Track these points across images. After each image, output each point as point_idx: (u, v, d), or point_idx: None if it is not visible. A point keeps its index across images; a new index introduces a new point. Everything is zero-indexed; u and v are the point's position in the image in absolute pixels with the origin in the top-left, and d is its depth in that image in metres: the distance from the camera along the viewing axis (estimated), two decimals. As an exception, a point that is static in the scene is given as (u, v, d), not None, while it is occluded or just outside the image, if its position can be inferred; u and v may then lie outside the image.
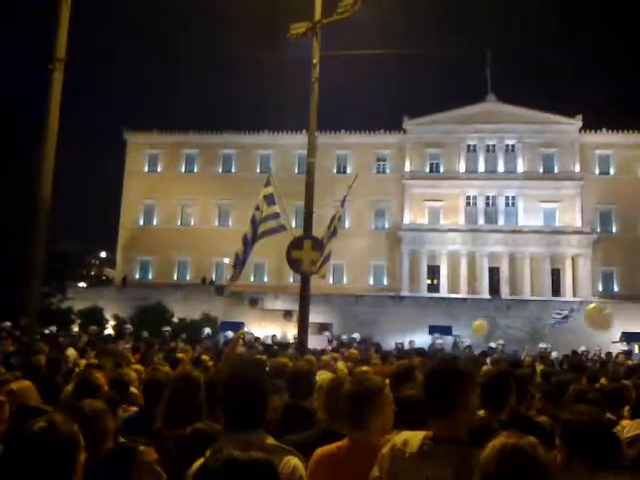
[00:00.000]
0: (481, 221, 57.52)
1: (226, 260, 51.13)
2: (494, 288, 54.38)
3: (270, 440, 2.80)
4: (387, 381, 4.21)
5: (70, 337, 19.56)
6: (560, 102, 67.48)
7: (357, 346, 20.44)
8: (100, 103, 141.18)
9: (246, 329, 36.90)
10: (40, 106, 9.84)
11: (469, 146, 59.50)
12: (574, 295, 52.30)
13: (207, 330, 32.68)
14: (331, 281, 56.85)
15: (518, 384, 4.64)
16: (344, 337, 33.15)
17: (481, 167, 59.11)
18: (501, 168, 58.81)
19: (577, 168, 57.49)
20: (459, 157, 59.47)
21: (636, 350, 37.30)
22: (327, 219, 18.49)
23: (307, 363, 6.52)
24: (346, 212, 58.38)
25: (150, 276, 61.28)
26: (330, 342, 25.88)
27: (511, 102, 58.42)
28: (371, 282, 58.49)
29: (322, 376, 5.85)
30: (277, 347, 18.44)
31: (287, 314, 39.33)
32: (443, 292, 54.40)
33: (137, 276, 61.16)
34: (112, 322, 38.49)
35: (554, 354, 22.04)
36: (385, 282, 58.30)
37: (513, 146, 58.91)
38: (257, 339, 22.87)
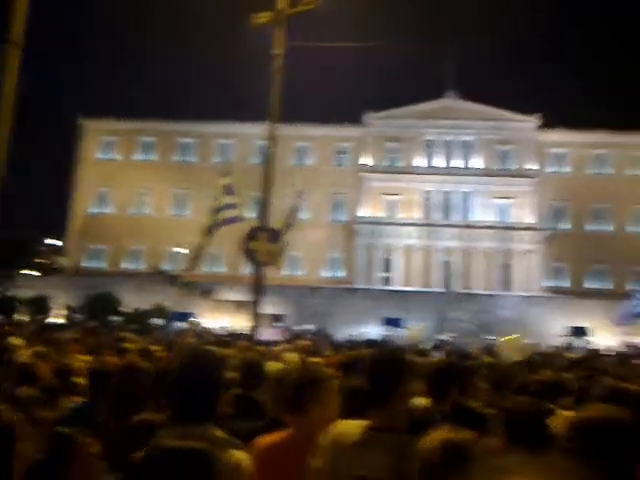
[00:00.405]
0: (437, 216, 58.31)
1: (181, 250, 50.58)
2: (447, 281, 55.28)
3: (219, 433, 2.76)
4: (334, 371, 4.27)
5: (16, 325, 19.09)
6: (519, 100, 68.87)
7: (310, 337, 20.55)
8: (55, 88, 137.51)
9: (197, 320, 36.70)
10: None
11: (428, 141, 60.16)
12: (523, 290, 53.61)
13: (158, 320, 32.38)
14: (286, 272, 56.91)
15: (462, 375, 4.77)
16: (298, 328, 33.26)
17: (439, 162, 59.86)
18: (458, 164, 59.67)
19: (532, 165, 58.74)
20: (418, 152, 60.10)
21: (579, 343, 38.40)
22: (286, 210, 18.58)
23: (257, 354, 6.56)
24: (304, 203, 58.46)
25: (102, 265, 60.22)
26: (283, 333, 25.94)
27: (470, 99, 59.21)
28: (327, 274, 58.75)
29: (272, 367, 5.89)
30: (229, 338, 18.38)
31: (241, 305, 39.16)
32: (397, 285, 55.05)
33: (89, 265, 60.03)
34: (61, 311, 37.76)
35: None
36: (340, 274, 58.65)
37: (470, 142, 59.80)
38: (208, 330, 22.72)
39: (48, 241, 75.06)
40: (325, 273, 58.87)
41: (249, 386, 4.98)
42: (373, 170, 59.65)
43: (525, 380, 6.49)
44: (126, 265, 59.70)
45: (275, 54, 13.04)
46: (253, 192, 31.56)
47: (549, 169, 59.20)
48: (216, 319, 39.95)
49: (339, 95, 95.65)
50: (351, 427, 2.92)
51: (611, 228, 58.05)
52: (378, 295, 48.34)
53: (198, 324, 26.75)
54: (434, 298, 47.34)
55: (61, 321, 32.13)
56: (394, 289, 52.65)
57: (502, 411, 3.50)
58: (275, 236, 11.71)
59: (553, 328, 42.06)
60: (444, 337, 32.18)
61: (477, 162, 59.53)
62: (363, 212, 58.71)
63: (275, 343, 14.59)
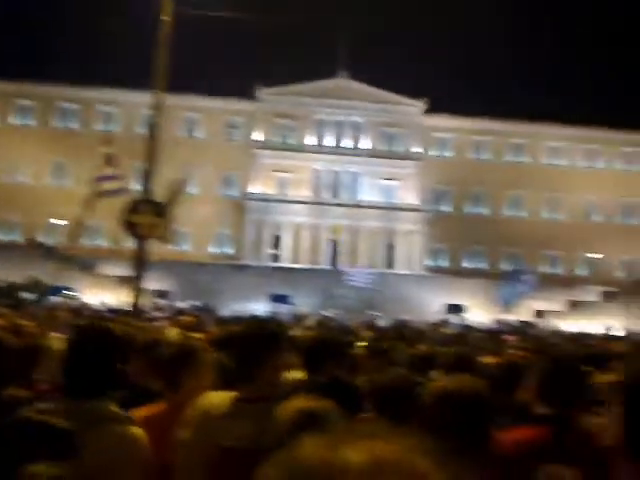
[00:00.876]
0: (326, 194, 59.10)
1: (60, 221, 48.05)
2: (334, 259, 56.39)
3: (113, 408, 2.73)
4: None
5: None
6: (407, 84, 70.56)
7: (194, 313, 20.31)
8: None
9: (74, 293, 35.20)
10: None
11: (319, 120, 60.58)
12: (405, 268, 55.75)
13: (32, 295, 30.72)
14: (173, 248, 55.70)
15: (338, 349, 4.92)
16: (183, 304, 32.77)
17: (329, 142, 60.54)
18: (348, 144, 60.62)
19: (418, 149, 60.75)
20: (309, 130, 60.41)
21: (457, 320, 40.52)
22: (172, 183, 18.04)
23: (135, 329, 6.40)
24: (194, 177, 57.27)
25: (-28, 235, 56.12)
26: (166, 309, 25.46)
27: (361, 80, 60.05)
28: (215, 250, 58.12)
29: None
30: (110, 314, 17.79)
31: (124, 280, 37.96)
32: (285, 262, 55.46)
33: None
34: None
35: (382, 322, 23.44)
36: (229, 250, 58.22)
37: (360, 123, 60.85)
38: (86, 305, 21.88)
39: None
40: (213, 249, 58.21)
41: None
42: (264, 146, 59.36)
43: (401, 354, 6.81)
44: (-1, 236, 56.01)
45: (163, 20, 12.60)
46: (138, 163, 30.44)
47: (433, 153, 61.52)
48: (97, 295, 38.49)
49: (232, 68, 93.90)
50: (219, 398, 2.95)
51: (488, 211, 61.43)
52: (266, 272, 48.49)
53: (74, 298, 25.63)
54: (321, 275, 48.19)
55: None
56: (282, 266, 53.02)
57: (370, 384, 3.66)
58: (159, 209, 11.41)
59: (433, 305, 44.11)
60: (328, 313, 32.88)
61: (366, 143, 60.76)
62: (253, 188, 58.40)
63: (157, 319, 14.32)
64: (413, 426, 2.19)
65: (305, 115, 60.06)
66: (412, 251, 57.81)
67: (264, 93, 59.93)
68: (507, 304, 30.84)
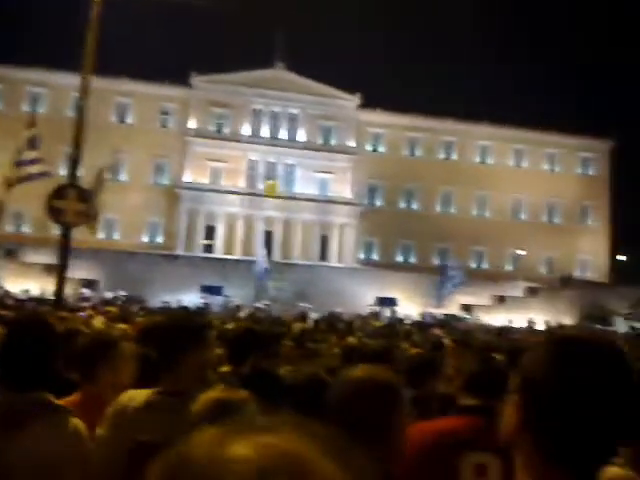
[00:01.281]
0: (261, 185, 58.75)
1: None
2: (268, 251, 56.16)
3: (51, 399, 2.68)
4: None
5: None
6: (344, 78, 70.98)
7: (121, 304, 19.84)
8: None
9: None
10: None
11: (255, 110, 60.08)
12: (339, 261, 56.19)
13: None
14: (102, 236, 54.21)
15: (265, 341, 4.91)
16: (110, 294, 31.96)
17: (265, 133, 60.16)
18: (284, 135, 60.42)
19: (352, 143, 61.20)
20: (244, 120, 59.84)
21: (388, 313, 41.19)
22: (100, 169, 17.53)
23: (55, 319, 6.17)
24: (124, 164, 55.84)
25: None
26: (92, 299, 24.76)
27: (298, 72, 59.94)
28: (145, 239, 56.88)
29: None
30: (34, 302, 17.16)
31: (50, 268, 36.68)
32: (218, 253, 54.87)
33: None
34: None
35: (314, 314, 23.55)
36: (160, 240, 57.10)
37: (296, 115, 60.75)
38: (9, 293, 21.03)
39: None
40: (144, 238, 56.94)
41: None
42: (198, 134, 58.41)
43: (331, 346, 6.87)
44: None
45: (94, 0, 12.15)
46: (65, 147, 29.40)
47: (367, 147, 62.16)
48: (21, 283, 37.02)
49: (168, 53, 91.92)
50: (139, 393, 2.90)
51: (420, 207, 62.62)
52: (199, 262, 47.82)
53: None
54: (254, 267, 47.86)
55: None
56: (215, 257, 52.42)
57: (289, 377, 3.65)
58: (85, 195, 11.03)
59: (365, 298, 44.63)
60: (261, 305, 32.76)
61: (302, 135, 60.74)
62: (187, 177, 57.41)
63: (81, 309, 13.90)
64: (325, 419, 2.18)
65: (241, 104, 59.44)
66: (345, 244, 58.31)
67: (199, 80, 58.92)
68: (440, 299, 31.52)
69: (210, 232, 56.78)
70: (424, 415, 3.53)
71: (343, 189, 59.97)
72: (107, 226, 54.81)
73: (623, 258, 59.86)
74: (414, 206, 62.64)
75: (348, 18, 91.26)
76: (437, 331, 17.61)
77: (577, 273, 61.26)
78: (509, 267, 61.90)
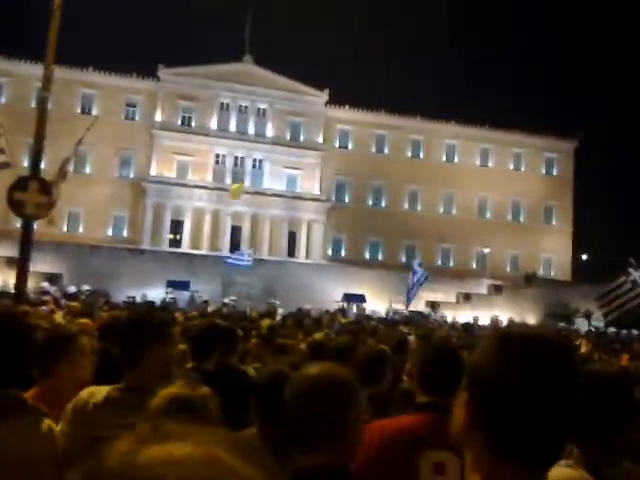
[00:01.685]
0: (228, 180, 58.33)
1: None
2: (235, 246, 55.84)
3: (22, 397, 2.63)
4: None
5: None
6: (312, 74, 70.93)
7: (84, 298, 19.51)
8: None
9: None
10: None
11: (222, 104, 59.62)
12: (307, 257, 56.17)
13: None
14: (65, 229, 53.27)
15: (229, 337, 4.85)
16: (74, 288, 31.41)
17: (232, 127, 59.74)
18: (251, 130, 60.08)
19: (320, 139, 61.19)
20: (212, 114, 59.34)
21: (355, 309, 41.36)
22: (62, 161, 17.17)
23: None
24: (89, 157, 54.89)
25: None
26: (54, 293, 24.30)
27: (266, 66, 59.67)
28: (110, 233, 56.04)
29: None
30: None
31: (11, 261, 35.87)
32: (185, 248, 54.36)
33: None
34: None
35: (281, 310, 23.50)
36: (125, 234, 56.32)
37: (264, 110, 60.46)
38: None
39: None
40: (109, 232, 56.09)
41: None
42: (165, 127, 57.70)
43: (286, 342, 6.85)
44: None
45: (58, -12, 11.83)
46: (28, 138, 28.72)
47: (335, 144, 62.23)
48: (-20, 276, 36.11)
49: (132, 43, 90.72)
50: (100, 390, 2.88)
51: (387, 204, 62.96)
52: (165, 257, 47.27)
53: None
54: (222, 262, 47.52)
55: None
56: (182, 252, 51.92)
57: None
58: (47, 188, 10.77)
59: (333, 294, 44.69)
60: (226, 300, 32.56)
61: (270, 130, 60.51)
62: (153, 171, 56.69)
63: (43, 303, 13.61)
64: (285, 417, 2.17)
65: (208, 98, 58.91)
66: (313, 240, 58.31)
67: (166, 73, 58.18)
68: (410, 299, 31.76)
69: (177, 226, 56.19)
70: (381, 413, 3.52)
71: (311, 185, 59.95)
72: (71, 219, 53.87)
73: (586, 257, 61.13)
74: (382, 203, 62.95)
75: (317, 14, 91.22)
76: (403, 328, 17.73)
77: (541, 272, 62.37)
78: (475, 265, 62.68)
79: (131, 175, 57.49)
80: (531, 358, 1.21)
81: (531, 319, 44.11)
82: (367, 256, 61.07)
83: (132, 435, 0.64)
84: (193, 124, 58.87)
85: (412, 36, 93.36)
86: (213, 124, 59.20)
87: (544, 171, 67.22)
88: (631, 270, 19.69)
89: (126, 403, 2.67)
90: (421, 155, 64.16)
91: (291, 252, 57.38)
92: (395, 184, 62.28)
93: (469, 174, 63.86)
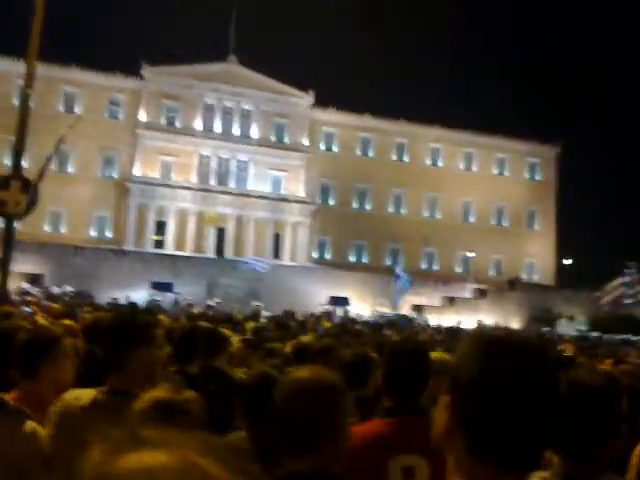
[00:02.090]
0: (213, 181, 58.11)
1: None
2: (220, 248, 55.63)
3: (9, 401, 2.63)
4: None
5: None
6: (298, 76, 70.91)
7: (68, 300, 19.27)
8: None
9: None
10: None
11: (207, 105, 59.35)
12: (292, 260, 56.07)
13: None
14: (48, 229, 52.73)
15: (213, 340, 4.79)
16: (57, 289, 31.07)
17: (217, 128, 59.51)
18: (236, 131, 59.90)
19: (305, 141, 61.14)
20: (197, 114, 59.04)
21: (340, 312, 41.33)
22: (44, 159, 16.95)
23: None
24: (71, 156, 54.36)
25: None
26: (35, 294, 23.99)
27: (252, 67, 59.47)
28: (93, 233, 55.53)
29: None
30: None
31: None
32: (169, 249, 54.04)
33: None
34: None
35: (266, 313, 23.41)
36: (108, 234, 55.85)
37: (249, 111, 60.29)
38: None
39: None
40: (92, 232, 55.58)
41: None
42: (149, 127, 57.28)
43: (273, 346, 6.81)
44: None
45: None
46: (11, 136, 28.37)
47: (320, 146, 62.21)
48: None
49: (116, 42, 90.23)
50: (84, 392, 2.83)
51: (372, 207, 63.04)
52: (149, 258, 46.98)
53: None
54: (206, 264, 47.35)
55: None
56: (165, 253, 51.60)
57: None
58: (29, 186, 10.63)
59: (318, 297, 44.68)
60: (213, 303, 32.39)
61: (255, 132, 60.34)
62: (137, 171, 56.25)
63: (26, 303, 13.42)
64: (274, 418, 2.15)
65: (193, 98, 58.58)
66: (298, 243, 58.24)
67: (150, 72, 57.72)
68: (396, 304, 31.82)
69: (160, 227, 55.82)
70: (367, 417, 3.50)
71: (296, 187, 59.88)
72: (53, 219, 53.32)
73: (568, 262, 61.64)
74: (366, 206, 63.03)
75: (303, 16, 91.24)
76: (387, 331, 17.73)
77: (524, 276, 62.82)
78: (459, 269, 62.95)
79: (114, 175, 57.03)
80: (510, 361, 1.21)
81: (515, 323, 44.37)
82: (352, 259, 61.10)
83: (107, 443, 0.64)
84: (177, 124, 58.55)
85: (397, 40, 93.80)
86: (198, 125, 58.93)
87: (527, 176, 67.74)
88: (626, 272, 20.32)
89: (111, 406, 2.62)
90: (406, 158, 64.34)
91: (276, 254, 57.24)
92: (380, 187, 62.39)
93: (453, 178, 64.15)
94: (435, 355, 3.43)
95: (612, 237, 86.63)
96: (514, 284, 55.44)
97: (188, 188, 56.19)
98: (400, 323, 30.85)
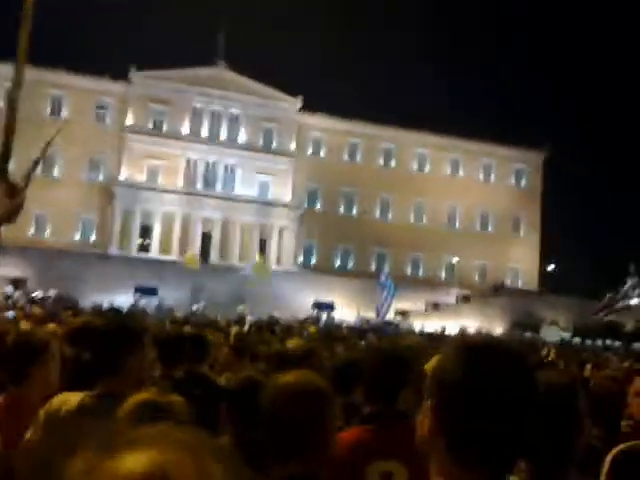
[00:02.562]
0: (199, 185, 57.99)
1: None
2: (205, 252, 55.46)
3: None
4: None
5: None
6: (286, 81, 70.90)
7: (50, 304, 19.17)
8: None
9: None
10: None
11: (195, 108, 59.28)
12: (277, 264, 56.00)
13: None
14: (31, 232, 52.31)
15: (198, 345, 4.84)
16: (39, 293, 30.85)
17: (205, 132, 59.45)
18: (224, 135, 59.85)
19: (293, 146, 61.21)
20: (184, 118, 58.94)
21: (325, 317, 41.34)
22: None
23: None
24: (57, 159, 54.03)
25: None
26: (18, 298, 23.84)
27: (239, 71, 59.47)
28: (78, 237, 55.18)
29: None
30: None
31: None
32: (154, 253, 53.80)
33: None
34: None
35: (250, 317, 23.40)
36: (93, 238, 55.51)
37: (237, 115, 60.29)
38: None
39: None
40: (76, 236, 55.23)
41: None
42: (135, 131, 57.08)
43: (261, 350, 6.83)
44: None
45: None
46: (-4, 140, 28.15)
47: (307, 151, 62.30)
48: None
49: (105, 46, 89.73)
50: (70, 396, 2.84)
51: (358, 212, 63.15)
52: (133, 263, 46.77)
53: None
54: (191, 268, 47.14)
55: None
56: (151, 257, 51.38)
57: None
58: (14, 192, 10.60)
59: (303, 302, 44.63)
60: (194, 307, 32.30)
61: (242, 136, 60.32)
62: (123, 174, 56.01)
63: (10, 308, 13.36)
64: (260, 423, 2.16)
65: (180, 102, 58.47)
66: (284, 247, 58.21)
67: (137, 76, 57.61)
68: (384, 314, 31.73)
69: (146, 231, 55.57)
70: (354, 422, 3.54)
71: (283, 192, 59.89)
72: (37, 223, 52.91)
73: (553, 268, 62.17)
74: (353, 211, 63.16)
75: (291, 21, 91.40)
76: (372, 336, 17.81)
77: (508, 282, 63.19)
78: (444, 274, 63.21)
79: (100, 178, 56.75)
80: (491, 365, 1.26)
81: (499, 328, 44.61)
82: (338, 264, 61.16)
83: (92, 449, 0.64)
84: (165, 128, 58.41)
85: (384, 45, 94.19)
86: (185, 128, 58.83)
87: (513, 182, 68.18)
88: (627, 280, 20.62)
89: (100, 410, 2.65)
90: (393, 163, 64.58)
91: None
92: (366, 192, 62.54)
93: (440, 183, 64.42)
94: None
95: (596, 243, 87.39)
96: (498, 290, 55.80)
97: (174, 192, 56.02)
98: (384, 329, 30.94)
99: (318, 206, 62.15)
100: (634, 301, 42.14)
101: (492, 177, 67.35)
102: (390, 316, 44.46)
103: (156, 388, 2.44)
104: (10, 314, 11.14)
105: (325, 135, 62.64)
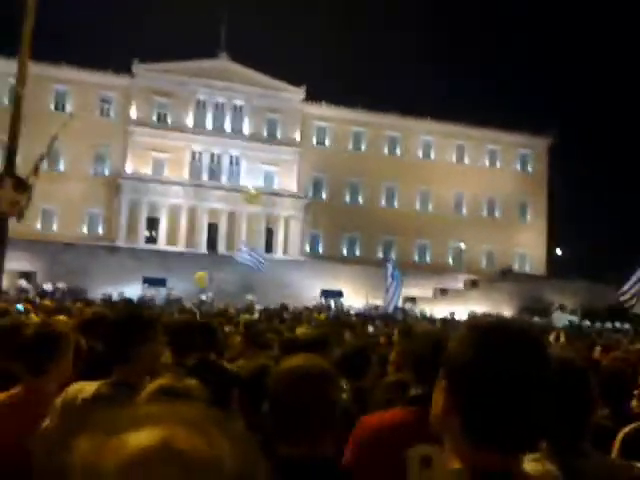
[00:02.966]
0: (205, 177, 58.06)
1: None
2: (212, 243, 55.63)
3: None
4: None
5: None
6: (290, 71, 70.80)
7: (60, 296, 19.31)
8: None
9: None
10: None
11: (199, 101, 59.24)
12: (284, 254, 56.11)
13: None
14: (39, 226, 52.54)
15: (208, 333, 4.89)
16: (49, 286, 31.07)
17: (209, 123, 59.42)
18: (228, 127, 59.81)
19: (297, 136, 61.10)
20: (188, 110, 58.92)
21: (333, 305, 41.43)
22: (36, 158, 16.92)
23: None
24: (62, 153, 54.15)
25: None
26: (28, 291, 24.03)
27: (243, 62, 59.36)
28: (85, 230, 55.42)
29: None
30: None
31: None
32: (161, 245, 53.99)
33: None
34: None
35: (259, 306, 23.49)
36: (100, 231, 55.75)
37: (241, 107, 60.21)
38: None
39: None
40: (83, 229, 55.47)
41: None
42: (140, 124, 57.12)
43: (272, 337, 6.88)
44: None
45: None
46: (3, 135, 28.23)
47: (312, 141, 62.17)
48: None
49: (109, 40, 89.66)
50: (86, 385, 2.88)
51: (364, 201, 63.08)
52: (141, 254, 46.97)
53: None
54: (198, 259, 47.36)
55: None
56: (158, 249, 51.56)
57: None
58: (21, 184, 10.64)
59: (311, 290, 44.79)
60: (204, 297, 32.44)
61: (247, 127, 60.27)
62: (129, 167, 56.14)
63: (18, 301, 13.47)
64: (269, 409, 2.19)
65: (184, 94, 58.45)
66: (291, 237, 58.28)
67: (141, 68, 57.57)
68: (390, 304, 31.64)
69: (153, 223, 55.75)
70: (365, 406, 3.56)
71: (288, 182, 59.87)
72: (44, 217, 53.12)
73: (559, 252, 62.03)
74: (359, 200, 63.08)
75: (294, 11, 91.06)
76: (380, 323, 17.85)
77: (516, 266, 63.13)
78: (451, 260, 63.17)
79: (106, 172, 56.90)
80: (503, 346, 1.28)
81: (506, 313, 44.58)
82: (344, 252, 61.20)
83: (92, 432, 0.64)
84: (169, 120, 58.42)
85: (387, 34, 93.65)
86: (189, 121, 58.82)
87: (519, 167, 67.91)
88: None
89: (115, 398, 2.70)
90: (398, 152, 64.38)
91: (268, 248, 57.22)
92: (372, 181, 62.44)
93: (445, 170, 64.24)
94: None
95: (603, 228, 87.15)
96: (506, 275, 55.74)
97: (180, 184, 56.14)
98: (393, 315, 30.99)
99: (324, 195, 62.12)
100: None
101: (498, 163, 67.09)
102: (399, 303, 44.65)
103: (172, 374, 2.49)
104: (19, 306, 11.22)
105: (329, 124, 62.47)
